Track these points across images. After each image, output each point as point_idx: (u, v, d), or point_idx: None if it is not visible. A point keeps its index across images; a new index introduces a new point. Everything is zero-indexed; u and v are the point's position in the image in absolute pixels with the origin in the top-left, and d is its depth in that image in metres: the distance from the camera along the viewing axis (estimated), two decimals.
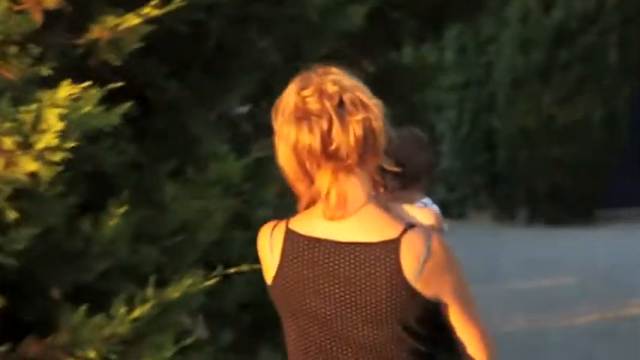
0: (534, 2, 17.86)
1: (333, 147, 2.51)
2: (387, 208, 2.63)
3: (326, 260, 2.56)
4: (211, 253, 3.87)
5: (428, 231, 2.57)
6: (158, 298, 3.53)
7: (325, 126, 2.51)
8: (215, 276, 3.72)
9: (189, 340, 3.77)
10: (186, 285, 3.48)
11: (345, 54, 5.23)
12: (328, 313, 2.55)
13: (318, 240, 2.57)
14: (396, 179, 3.27)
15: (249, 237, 4.25)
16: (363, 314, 2.53)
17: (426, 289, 2.53)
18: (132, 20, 3.40)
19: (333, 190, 2.54)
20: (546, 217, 17.80)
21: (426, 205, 3.51)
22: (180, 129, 4.01)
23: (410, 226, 2.56)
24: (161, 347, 3.59)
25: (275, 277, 2.60)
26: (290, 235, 2.60)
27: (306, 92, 2.53)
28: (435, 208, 3.44)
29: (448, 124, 19.28)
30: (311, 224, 2.58)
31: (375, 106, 2.56)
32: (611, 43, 17.79)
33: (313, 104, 2.52)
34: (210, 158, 3.98)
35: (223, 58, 4.12)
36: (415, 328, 2.55)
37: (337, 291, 2.54)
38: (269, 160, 4.67)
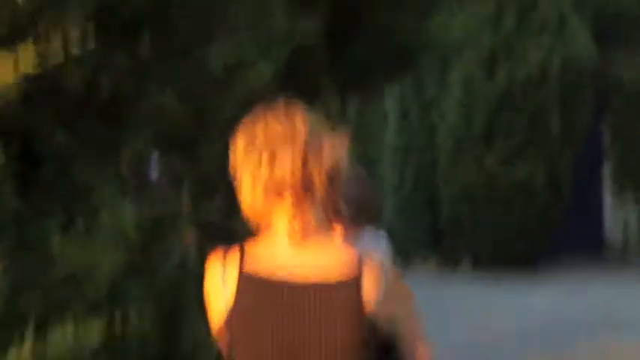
0: (477, 66, 18.04)
1: (305, 180, 2.54)
2: (345, 240, 2.76)
3: (284, 302, 2.53)
4: (100, 306, 3.78)
5: (384, 264, 2.61)
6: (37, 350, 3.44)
7: (300, 160, 2.54)
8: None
9: None
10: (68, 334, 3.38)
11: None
12: (285, 353, 2.52)
13: (275, 283, 2.54)
14: (347, 214, 3.31)
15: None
16: (322, 354, 2.52)
17: (384, 315, 2.56)
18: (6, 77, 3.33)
19: (298, 218, 2.54)
20: (490, 273, 17.87)
21: (377, 235, 3.67)
22: (70, 179, 3.93)
23: (367, 259, 2.58)
24: None
25: (229, 314, 2.54)
26: (244, 274, 2.55)
27: (276, 124, 2.57)
28: (384, 238, 3.68)
29: (389, 185, 19.35)
30: (267, 259, 2.56)
31: (342, 140, 2.62)
32: (553, 109, 17.99)
33: (287, 138, 2.55)
34: (102, 209, 3.90)
35: (118, 109, 4.06)
36: (370, 356, 2.57)
37: (296, 332, 2.52)
38: (174, 211, 4.68)
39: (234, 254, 2.58)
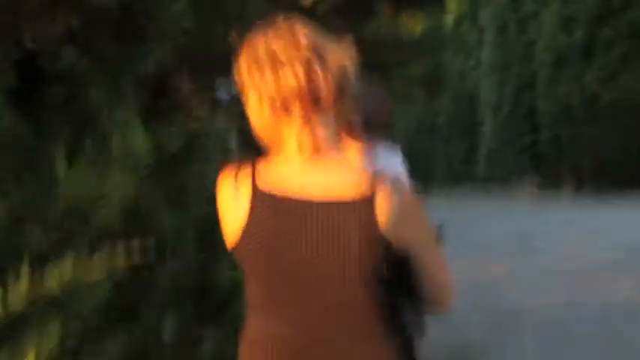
0: None
1: (312, 89, 2.48)
2: (358, 156, 2.67)
3: (298, 219, 2.49)
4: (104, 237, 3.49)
5: (398, 179, 2.55)
6: (36, 286, 3.17)
7: (305, 69, 2.49)
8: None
9: None
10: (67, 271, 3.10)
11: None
12: (298, 271, 2.50)
13: (289, 199, 2.50)
14: (361, 128, 3.33)
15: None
16: (336, 271, 2.48)
17: (398, 238, 2.50)
18: None
19: (308, 133, 2.49)
20: (591, 194, 17.24)
21: (392, 152, 3.57)
22: (80, 100, 3.63)
23: (381, 175, 2.53)
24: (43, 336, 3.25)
25: (242, 232, 2.50)
26: (258, 192, 2.50)
27: (279, 39, 2.52)
28: (399, 154, 3.60)
29: (489, 106, 18.82)
30: (280, 176, 2.51)
31: (347, 50, 2.57)
32: None
33: (290, 49, 2.51)
34: (114, 132, 3.59)
35: (133, 22, 3.74)
36: (383, 279, 2.51)
37: (310, 248, 2.48)
38: (196, 132, 4.36)
39: (246, 172, 2.53)
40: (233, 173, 2.54)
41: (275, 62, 2.50)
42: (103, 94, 3.68)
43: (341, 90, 2.52)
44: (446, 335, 9.05)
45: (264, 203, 2.50)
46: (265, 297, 2.55)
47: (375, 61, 5.93)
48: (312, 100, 2.50)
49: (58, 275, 3.16)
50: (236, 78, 2.56)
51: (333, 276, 2.50)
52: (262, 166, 2.55)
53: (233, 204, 2.53)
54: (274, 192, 2.50)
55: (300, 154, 2.51)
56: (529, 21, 18.45)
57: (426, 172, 21.57)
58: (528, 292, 10.32)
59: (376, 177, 2.52)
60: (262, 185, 2.51)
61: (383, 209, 2.48)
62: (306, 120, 2.50)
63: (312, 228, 2.50)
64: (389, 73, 6.11)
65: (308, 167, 2.53)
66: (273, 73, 2.49)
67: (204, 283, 4.29)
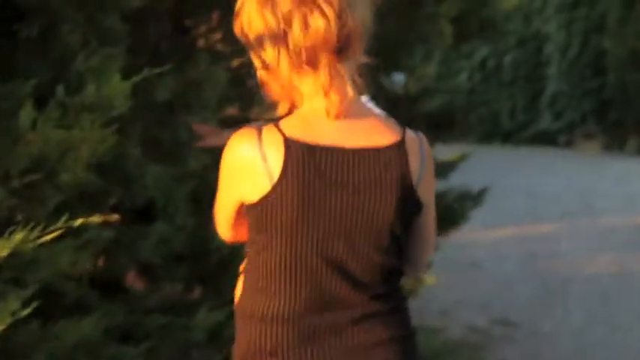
0: None
1: (344, 33, 2.33)
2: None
3: (334, 169, 2.37)
4: (73, 198, 3.08)
5: (418, 132, 2.51)
6: None
7: (335, 9, 2.34)
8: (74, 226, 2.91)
9: None
10: (15, 241, 2.69)
11: None
12: (329, 228, 2.37)
13: (324, 148, 2.37)
14: None
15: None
16: (369, 225, 2.39)
17: (421, 193, 2.46)
18: None
19: (335, 84, 2.37)
20: None
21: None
22: (54, 40, 3.20)
23: (404, 127, 2.47)
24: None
25: (271, 190, 2.35)
26: (291, 143, 2.35)
27: None
28: None
29: (555, 47, 18.12)
30: (309, 129, 2.39)
31: None
32: None
33: None
34: (89, 77, 3.16)
35: None
36: (401, 240, 2.46)
37: (344, 202, 2.37)
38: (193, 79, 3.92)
39: (270, 129, 2.38)
40: (254, 132, 2.37)
41: (301, 4, 2.32)
42: (79, 32, 3.24)
43: (364, 36, 2.40)
44: (488, 298, 8.62)
45: (299, 155, 2.34)
46: (285, 262, 2.37)
47: None
48: (340, 51, 2.35)
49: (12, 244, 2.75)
50: (239, 23, 2.39)
51: (367, 233, 2.39)
52: (287, 122, 2.39)
53: (260, 164, 2.35)
54: (308, 142, 2.35)
55: (329, 108, 2.37)
56: None
57: (488, 118, 20.98)
58: (578, 257, 9.87)
59: (402, 126, 2.46)
60: (294, 137, 2.35)
61: (412, 158, 2.43)
62: (334, 74, 2.36)
63: (353, 175, 2.38)
64: (419, 10, 5.60)
65: (337, 117, 2.39)
66: (299, 18, 2.32)
67: (198, 247, 3.88)
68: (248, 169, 2.37)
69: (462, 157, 7.94)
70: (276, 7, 2.35)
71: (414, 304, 8.26)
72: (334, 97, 2.37)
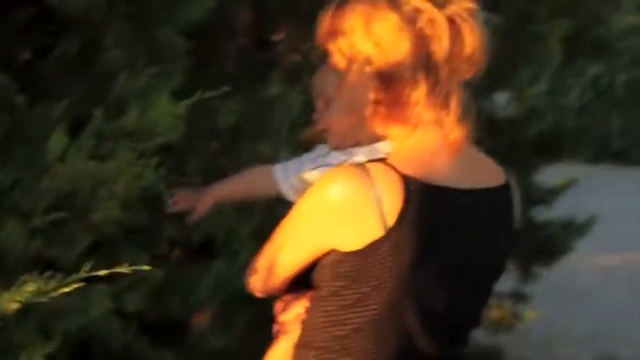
0: None
1: (466, 52, 2.16)
2: None
3: (451, 212, 2.16)
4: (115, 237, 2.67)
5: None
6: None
7: (455, 28, 2.15)
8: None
9: None
10: (26, 292, 2.26)
11: None
12: (437, 279, 2.15)
13: (442, 188, 2.15)
14: None
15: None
16: (477, 277, 2.23)
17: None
18: None
19: (454, 112, 2.17)
20: None
21: None
22: (95, 55, 2.78)
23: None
24: None
25: (384, 236, 2.10)
26: (410, 182, 2.12)
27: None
28: None
29: None
30: (426, 166, 2.17)
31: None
32: None
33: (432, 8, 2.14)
34: (133, 99, 2.73)
35: None
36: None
37: (457, 250, 2.18)
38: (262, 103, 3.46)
39: (379, 166, 2.14)
40: (361, 170, 2.13)
41: (427, 20, 2.13)
42: (125, 47, 2.81)
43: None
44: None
45: (419, 196, 2.11)
46: (389, 315, 2.14)
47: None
48: (468, 64, 2.16)
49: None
50: (349, 44, 2.18)
51: (482, 280, 2.26)
52: (398, 157, 2.17)
53: (372, 205, 2.09)
54: (427, 181, 2.13)
55: (454, 141, 2.16)
56: None
57: (598, 137, 20.18)
58: None
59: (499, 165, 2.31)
60: (412, 176, 2.12)
61: (516, 202, 2.30)
62: (452, 96, 2.15)
63: (468, 220, 2.18)
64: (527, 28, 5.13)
65: (457, 151, 2.19)
66: (448, 38, 2.12)
67: None
68: (355, 211, 2.10)
69: (569, 183, 7.45)
70: (421, 29, 2.14)
71: (512, 338, 7.70)
72: (459, 129, 2.17)
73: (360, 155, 2.52)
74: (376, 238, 2.11)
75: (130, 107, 2.72)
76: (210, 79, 3.51)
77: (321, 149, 2.68)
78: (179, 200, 2.78)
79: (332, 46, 2.30)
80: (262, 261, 2.36)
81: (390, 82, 2.18)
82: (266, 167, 2.79)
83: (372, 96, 2.21)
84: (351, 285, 2.16)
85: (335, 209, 2.14)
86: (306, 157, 2.70)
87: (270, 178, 2.72)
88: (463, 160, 2.23)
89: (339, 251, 2.18)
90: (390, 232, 2.10)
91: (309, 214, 2.22)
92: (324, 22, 2.31)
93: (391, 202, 2.10)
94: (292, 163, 2.71)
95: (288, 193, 2.68)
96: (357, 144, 2.51)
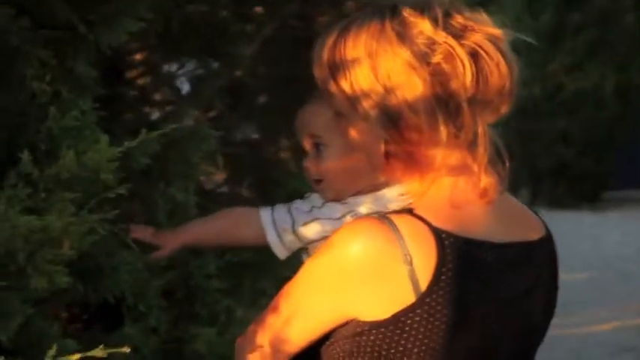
0: None
1: (494, 87, 1.90)
2: None
3: (488, 272, 1.85)
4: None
5: None
6: None
7: (478, 62, 1.88)
8: None
9: None
10: None
11: None
12: (470, 352, 1.85)
13: (479, 244, 1.85)
14: None
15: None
16: (514, 347, 1.93)
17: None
18: None
19: (481, 157, 1.89)
20: (549, 198, 16.11)
21: None
22: (15, 90, 2.32)
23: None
24: None
25: (416, 303, 1.79)
26: (444, 237, 1.83)
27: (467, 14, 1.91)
28: None
29: None
30: (458, 217, 1.86)
31: None
32: (626, 6, 16.08)
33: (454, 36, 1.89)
34: (65, 142, 2.28)
35: None
36: None
37: (492, 317, 1.87)
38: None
39: (406, 219, 1.84)
40: (385, 224, 1.82)
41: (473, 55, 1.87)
42: (47, 79, 2.36)
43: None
44: None
45: (455, 254, 1.81)
46: None
47: None
48: (482, 108, 1.90)
49: None
50: (356, 79, 1.86)
51: (519, 349, 1.96)
52: (425, 208, 1.86)
53: (401, 267, 1.78)
54: (462, 236, 1.83)
55: (488, 189, 1.88)
56: None
57: None
58: None
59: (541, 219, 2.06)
60: (445, 229, 1.83)
61: (558, 262, 2.04)
62: (479, 138, 1.88)
63: (506, 280, 1.88)
64: None
65: (491, 201, 1.90)
66: (447, 63, 1.87)
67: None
68: (381, 273, 1.80)
69: None
70: (437, 65, 1.86)
71: None
72: (489, 176, 1.89)
73: (364, 206, 2.21)
74: (406, 306, 1.82)
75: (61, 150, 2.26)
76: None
77: (313, 199, 2.34)
78: (137, 230, 2.48)
79: (329, 82, 1.98)
80: (264, 335, 1.98)
81: (402, 126, 1.89)
82: (246, 210, 2.43)
83: (381, 144, 1.93)
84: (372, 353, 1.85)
85: (356, 271, 1.82)
86: (296, 205, 2.35)
87: (253, 224, 2.36)
88: (498, 210, 1.95)
89: (360, 321, 1.87)
90: (423, 298, 1.81)
91: (324, 278, 1.88)
92: (322, 54, 1.99)
93: (423, 262, 1.81)
94: (280, 212, 2.36)
95: (276, 247, 2.32)
96: (357, 193, 2.20)
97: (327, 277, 1.87)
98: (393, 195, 2.15)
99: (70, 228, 2.13)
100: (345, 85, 1.93)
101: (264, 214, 2.37)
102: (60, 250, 2.13)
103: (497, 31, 1.93)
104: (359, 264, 1.82)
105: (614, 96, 15.90)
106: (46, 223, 2.12)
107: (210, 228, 2.44)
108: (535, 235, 2.03)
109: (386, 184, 2.19)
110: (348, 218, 2.21)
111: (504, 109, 1.95)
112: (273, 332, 1.95)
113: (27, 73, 2.35)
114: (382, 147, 1.93)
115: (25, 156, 2.24)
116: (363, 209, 2.18)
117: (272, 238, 2.32)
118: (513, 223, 1.99)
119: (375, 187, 2.20)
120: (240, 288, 3.36)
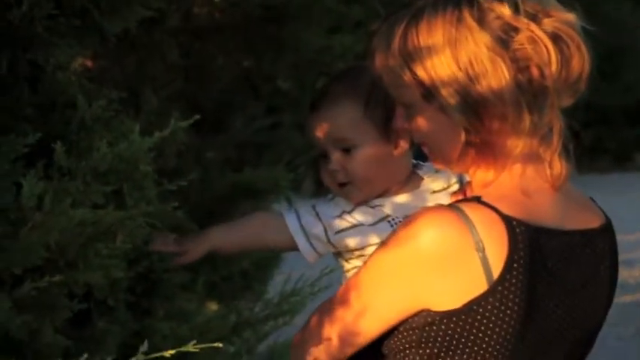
0: None
1: (574, 75, 1.91)
2: None
3: (556, 260, 1.86)
4: None
5: None
6: None
7: (561, 47, 1.89)
8: None
9: None
10: None
11: None
12: (540, 343, 1.86)
13: (548, 232, 1.86)
14: None
15: None
16: (577, 335, 1.95)
17: None
18: None
19: (555, 145, 1.90)
20: None
21: None
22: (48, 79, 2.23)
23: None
24: None
25: (488, 291, 1.80)
26: (515, 225, 1.83)
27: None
28: None
29: None
30: (529, 206, 1.87)
31: None
32: None
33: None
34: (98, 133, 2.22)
35: None
36: None
37: (559, 306, 1.89)
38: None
39: (476, 207, 1.84)
40: (455, 213, 1.82)
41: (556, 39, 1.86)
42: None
43: None
44: None
45: (526, 242, 1.82)
46: None
47: None
48: (574, 88, 1.93)
49: None
50: (434, 66, 1.87)
51: (580, 338, 1.98)
52: (495, 196, 1.87)
53: (474, 254, 1.78)
54: (532, 224, 1.85)
55: (557, 178, 1.91)
56: None
57: None
58: None
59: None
60: (515, 217, 1.83)
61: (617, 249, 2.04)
62: (554, 127, 1.90)
63: (571, 268, 1.90)
64: None
65: (560, 189, 1.92)
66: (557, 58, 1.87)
67: None
68: (453, 262, 1.80)
69: None
70: (519, 50, 1.86)
71: None
72: (561, 164, 1.92)
73: (402, 206, 2.24)
74: (479, 294, 1.82)
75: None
76: None
77: (338, 202, 2.32)
78: (157, 242, 2.38)
79: (403, 72, 1.93)
80: (333, 328, 1.96)
81: (484, 115, 1.88)
82: (271, 215, 2.41)
83: (461, 133, 1.91)
84: (445, 352, 1.87)
85: (430, 261, 1.82)
86: (323, 210, 2.33)
87: (281, 230, 2.33)
88: (564, 198, 1.97)
89: (431, 311, 1.87)
90: (496, 286, 1.81)
91: (397, 269, 1.87)
92: (391, 43, 1.93)
93: (495, 249, 1.81)
94: (307, 217, 2.33)
95: (308, 254, 2.32)
96: (384, 194, 2.21)
97: (401, 268, 1.86)
98: (436, 186, 2.20)
99: (126, 221, 2.07)
100: (422, 73, 1.90)
101: (291, 219, 2.34)
102: (114, 243, 2.06)
103: (570, 16, 1.91)
104: (433, 254, 1.82)
105: None
106: (99, 216, 2.06)
107: (236, 234, 2.39)
108: (596, 223, 2.02)
109: (416, 178, 2.23)
110: (384, 225, 2.23)
111: (570, 102, 1.95)
112: (342, 325, 1.94)
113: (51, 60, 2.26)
114: (462, 136, 1.90)
115: (59, 147, 2.16)
116: (402, 211, 2.20)
117: (303, 246, 2.31)
118: (579, 210, 2.00)
119: (402, 187, 2.24)
120: (195, 282, 3.32)
